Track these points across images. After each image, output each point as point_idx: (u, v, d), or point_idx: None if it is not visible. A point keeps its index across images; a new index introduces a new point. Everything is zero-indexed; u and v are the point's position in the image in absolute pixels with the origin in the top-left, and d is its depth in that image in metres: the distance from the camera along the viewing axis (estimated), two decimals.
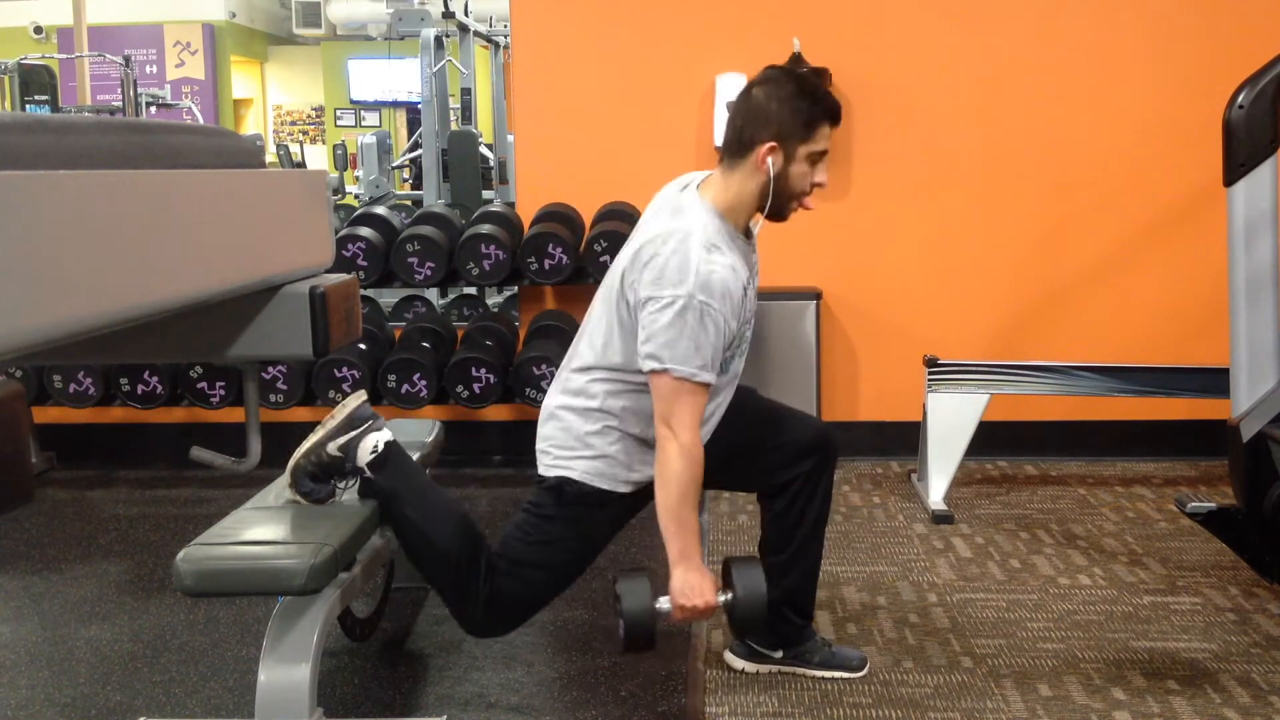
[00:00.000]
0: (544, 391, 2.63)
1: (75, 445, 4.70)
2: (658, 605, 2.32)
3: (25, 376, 4.30)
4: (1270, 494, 2.82)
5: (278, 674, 2.25)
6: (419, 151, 7.94)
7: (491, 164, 7.78)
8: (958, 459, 3.99)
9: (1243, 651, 2.83)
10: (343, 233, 4.31)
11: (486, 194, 7.44)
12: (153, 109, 8.16)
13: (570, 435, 2.49)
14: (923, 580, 3.33)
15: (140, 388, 4.33)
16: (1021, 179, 4.55)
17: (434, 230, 4.37)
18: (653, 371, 2.32)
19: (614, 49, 4.62)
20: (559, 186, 4.63)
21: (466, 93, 7.46)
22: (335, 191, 8.23)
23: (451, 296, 6.23)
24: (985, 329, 4.60)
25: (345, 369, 4.24)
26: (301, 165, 9.50)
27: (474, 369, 4.26)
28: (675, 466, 2.31)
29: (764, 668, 2.75)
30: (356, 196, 8.34)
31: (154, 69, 11.58)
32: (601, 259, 4.18)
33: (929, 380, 4.01)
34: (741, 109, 2.42)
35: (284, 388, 4.31)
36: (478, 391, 4.27)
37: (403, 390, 4.25)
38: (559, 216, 4.45)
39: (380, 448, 2.48)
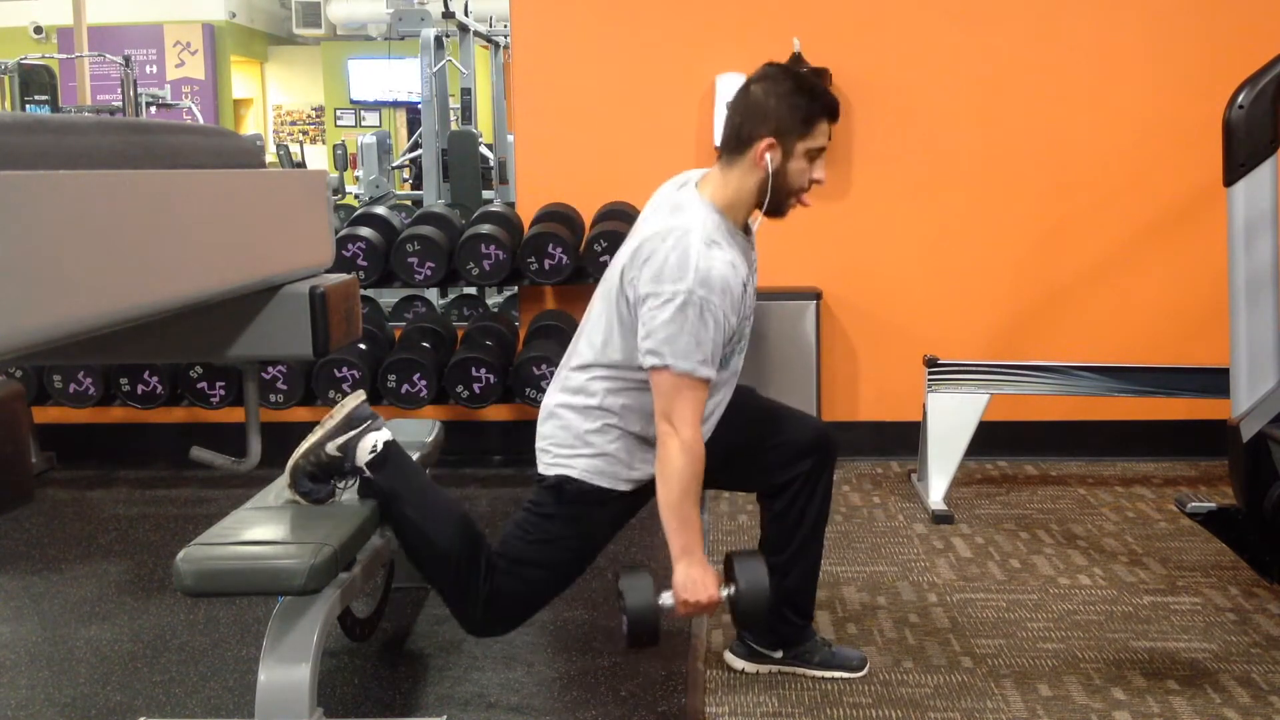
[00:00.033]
0: (544, 391, 2.63)
1: (75, 445, 4.70)
2: (661, 601, 2.33)
3: (25, 376, 4.30)
4: (1270, 494, 2.82)
5: (278, 674, 2.25)
6: (419, 151, 7.94)
7: (491, 164, 7.78)
8: (958, 459, 3.99)
9: (1243, 651, 2.83)
10: (343, 233, 4.31)
11: (486, 194, 7.44)
12: (153, 109, 8.16)
13: (570, 433, 2.49)
14: (923, 580, 3.33)
15: (140, 388, 4.33)
16: (1021, 179, 4.55)
17: (434, 230, 4.37)
18: (653, 368, 2.32)
19: (614, 49, 4.62)
20: (559, 186, 4.63)
21: (466, 93, 7.46)
22: (335, 191, 8.23)
23: (451, 296, 6.23)
24: (985, 329, 4.60)
25: (345, 369, 4.24)
26: (301, 165, 9.50)
27: (474, 369, 4.26)
28: (676, 462, 2.31)
29: (764, 668, 2.75)
30: (356, 196, 8.34)
31: (154, 69, 11.59)
32: (601, 259, 4.18)
33: (929, 380, 4.01)
34: (740, 106, 2.42)
35: (284, 388, 4.31)
36: (478, 391, 4.27)
37: (403, 390, 4.25)
38: (559, 216, 4.45)
39: (379, 447, 2.48)
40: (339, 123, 13.27)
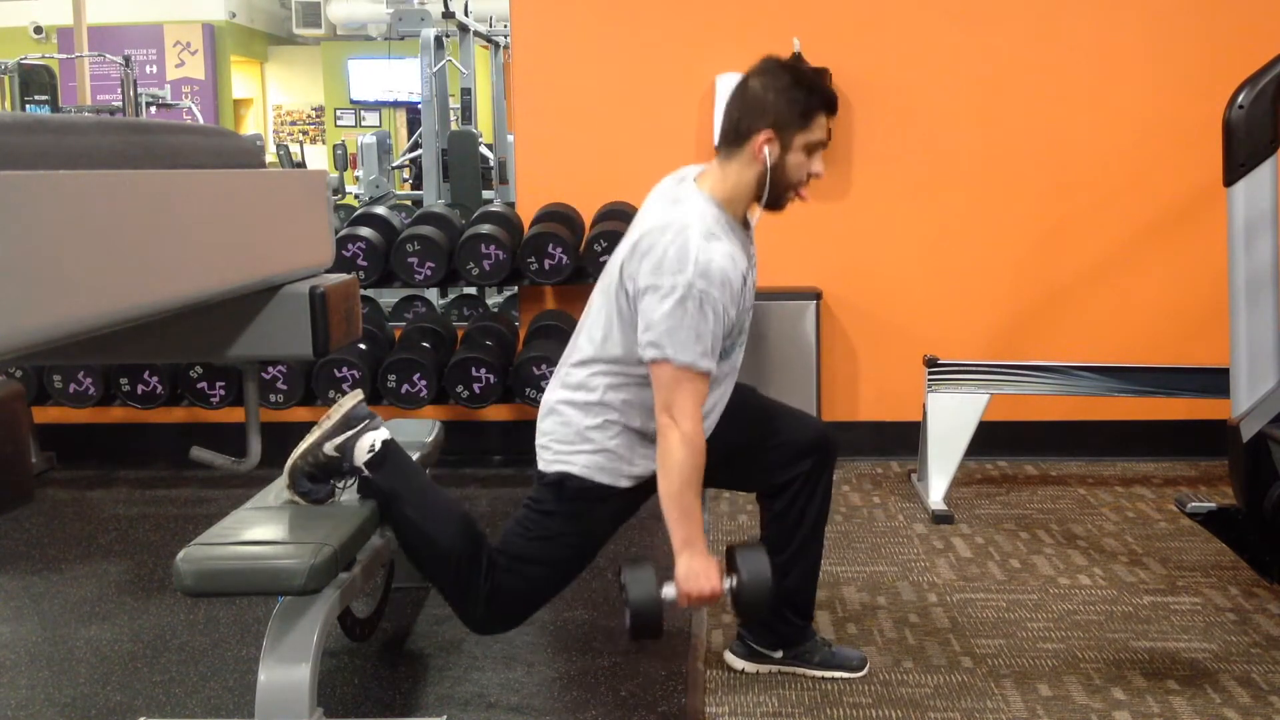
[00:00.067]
0: (544, 391, 2.63)
1: (75, 445, 4.70)
2: (663, 593, 2.33)
3: (25, 376, 4.30)
4: (1270, 494, 2.82)
5: (278, 674, 2.25)
6: (419, 151, 7.95)
7: (491, 164, 7.78)
8: (958, 459, 3.99)
9: (1243, 651, 2.83)
10: (343, 233, 4.31)
11: (486, 194, 7.44)
12: (153, 109, 8.16)
13: (570, 430, 2.49)
14: (923, 580, 3.33)
15: (140, 388, 4.33)
16: (1021, 179, 4.55)
17: (434, 230, 4.37)
18: (653, 360, 2.32)
19: (614, 49, 4.62)
20: (559, 186, 4.63)
21: (466, 93, 7.46)
22: (335, 191, 8.23)
23: (451, 296, 6.23)
24: (985, 329, 4.60)
25: (345, 369, 4.24)
26: (301, 165, 9.50)
27: (474, 369, 4.26)
28: (677, 454, 2.31)
29: (764, 668, 2.75)
30: (356, 196, 8.34)
31: (154, 69, 11.58)
32: (601, 259, 4.17)
33: (929, 380, 4.01)
34: (738, 99, 2.42)
35: (284, 388, 4.31)
36: (478, 391, 4.27)
37: (403, 390, 4.25)
38: (559, 216, 4.45)
39: (377, 446, 2.48)
40: (339, 123, 13.27)
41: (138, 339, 2.20)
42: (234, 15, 12.20)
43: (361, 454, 2.47)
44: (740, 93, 2.42)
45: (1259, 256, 2.88)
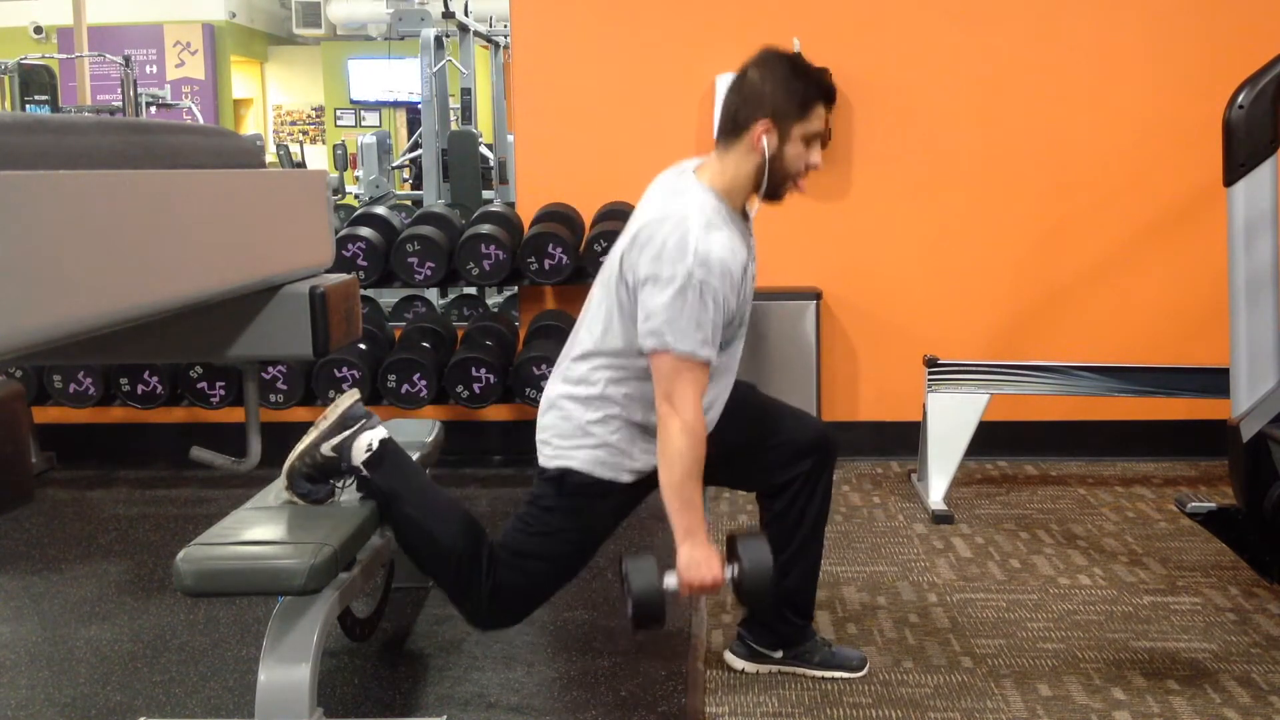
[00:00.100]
0: (544, 390, 2.63)
1: (75, 445, 4.70)
2: (665, 583, 2.32)
3: (25, 376, 4.30)
4: (1270, 494, 2.82)
5: (278, 674, 2.25)
6: (419, 151, 7.95)
7: (491, 164, 7.78)
8: (958, 459, 3.99)
9: (1243, 651, 2.83)
10: (343, 233, 4.31)
11: (486, 194, 7.44)
12: (153, 109, 8.16)
13: (571, 424, 2.48)
14: (923, 580, 3.33)
15: (140, 388, 4.33)
16: (1021, 179, 4.55)
17: (434, 230, 4.37)
18: (653, 350, 2.32)
19: (614, 49, 4.62)
20: (559, 186, 4.63)
21: (466, 93, 7.47)
22: (335, 191, 8.23)
23: (451, 296, 6.23)
24: (985, 329, 4.60)
25: (345, 369, 4.24)
26: (301, 165, 9.50)
27: (474, 369, 4.26)
28: (678, 443, 2.31)
29: (764, 668, 2.75)
30: (356, 196, 8.34)
31: (154, 69, 11.59)
32: (601, 259, 4.13)
33: (929, 380, 4.01)
34: (736, 90, 2.42)
35: (284, 388, 4.31)
36: (478, 391, 4.27)
37: (403, 390, 4.25)
38: (559, 216, 4.45)
39: (375, 446, 2.48)
40: (339, 123, 13.27)
41: (138, 339, 2.20)
42: (234, 15, 12.20)
43: (359, 453, 2.47)
44: (738, 83, 2.42)
45: (1259, 256, 2.88)
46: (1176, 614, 3.06)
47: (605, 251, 4.15)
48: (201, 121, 10.12)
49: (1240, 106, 2.83)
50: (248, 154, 2.35)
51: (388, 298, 5.74)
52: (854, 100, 4.50)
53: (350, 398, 2.53)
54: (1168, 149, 4.46)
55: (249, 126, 13.41)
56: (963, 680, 2.70)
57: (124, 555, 3.63)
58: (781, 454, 2.64)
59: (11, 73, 7.69)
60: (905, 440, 4.36)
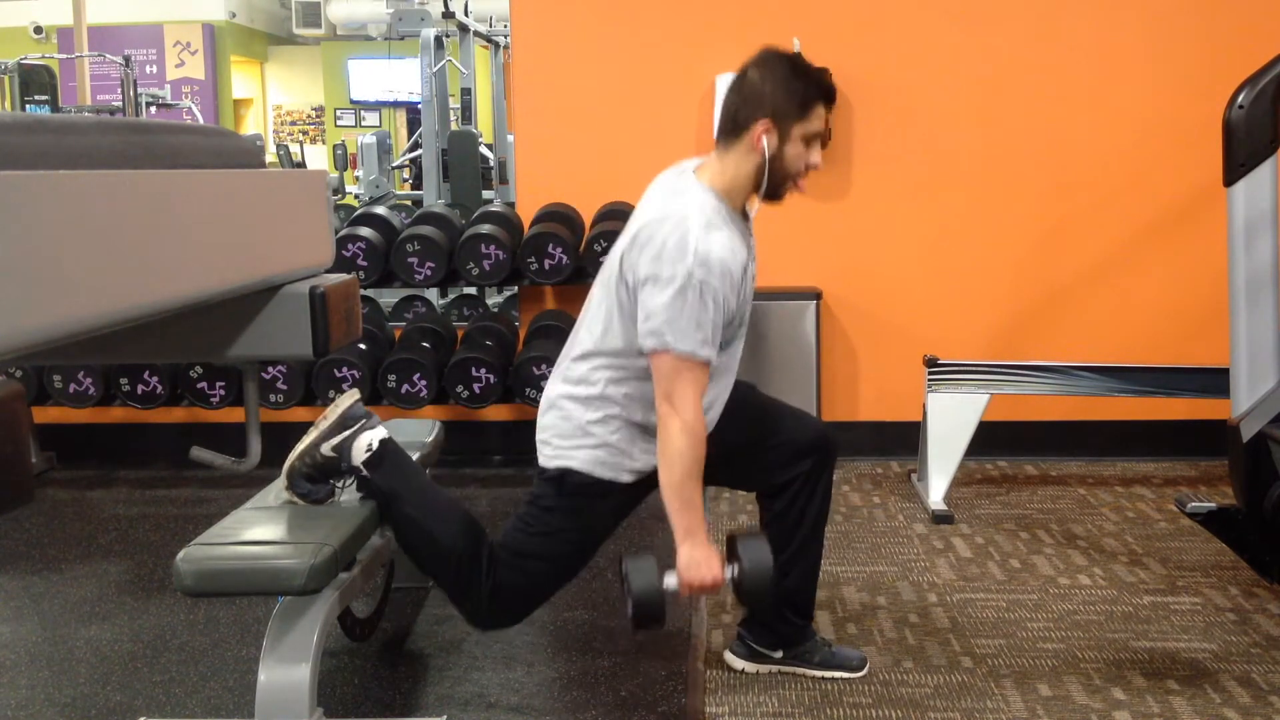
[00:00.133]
0: (544, 390, 2.63)
1: (75, 445, 4.70)
2: (665, 583, 2.33)
3: (25, 376, 4.30)
4: (1270, 494, 2.82)
5: (278, 674, 2.25)
6: (419, 151, 7.95)
7: (491, 164, 7.78)
8: (958, 459, 3.99)
9: (1243, 651, 2.83)
10: (343, 233, 4.31)
11: (486, 194, 7.44)
12: (153, 109, 8.16)
13: (571, 424, 2.48)
14: (923, 580, 3.33)
15: (140, 388, 4.33)
16: (1021, 179, 4.55)
17: (434, 230, 4.37)
18: (654, 350, 2.32)
19: (614, 49, 4.62)
20: (559, 186, 4.63)
21: (466, 93, 7.46)
22: (335, 191, 8.23)
23: (451, 296, 6.23)
24: (985, 329, 4.60)
25: (345, 369, 4.24)
26: (301, 165, 9.50)
27: (474, 369, 4.26)
28: (678, 443, 2.31)
29: (764, 668, 2.75)
30: (356, 196, 8.34)
31: (154, 69, 11.59)
32: (601, 259, 4.14)
33: (929, 380, 4.01)
34: (736, 90, 2.42)
35: (284, 388, 4.31)
36: (478, 391, 4.27)
37: (403, 390, 4.25)
38: (559, 216, 4.45)
39: (375, 446, 2.48)
40: (339, 123, 13.27)
41: (138, 339, 2.20)
42: (234, 15, 12.20)
43: (359, 453, 2.47)
44: (738, 83, 2.42)
45: (1259, 256, 2.88)
46: (1176, 614, 3.06)
47: (605, 251, 4.15)
48: (201, 121, 10.12)
49: (1240, 106, 2.83)
50: (248, 154, 2.35)
51: (388, 298, 5.74)
52: (854, 100, 4.50)
53: (350, 398, 2.53)
54: (1168, 149, 4.46)
55: (249, 126, 13.42)
56: (963, 680, 2.70)
57: (124, 555, 3.63)
58: (781, 454, 2.64)
59: (11, 73, 7.69)
60: (905, 440, 4.36)
